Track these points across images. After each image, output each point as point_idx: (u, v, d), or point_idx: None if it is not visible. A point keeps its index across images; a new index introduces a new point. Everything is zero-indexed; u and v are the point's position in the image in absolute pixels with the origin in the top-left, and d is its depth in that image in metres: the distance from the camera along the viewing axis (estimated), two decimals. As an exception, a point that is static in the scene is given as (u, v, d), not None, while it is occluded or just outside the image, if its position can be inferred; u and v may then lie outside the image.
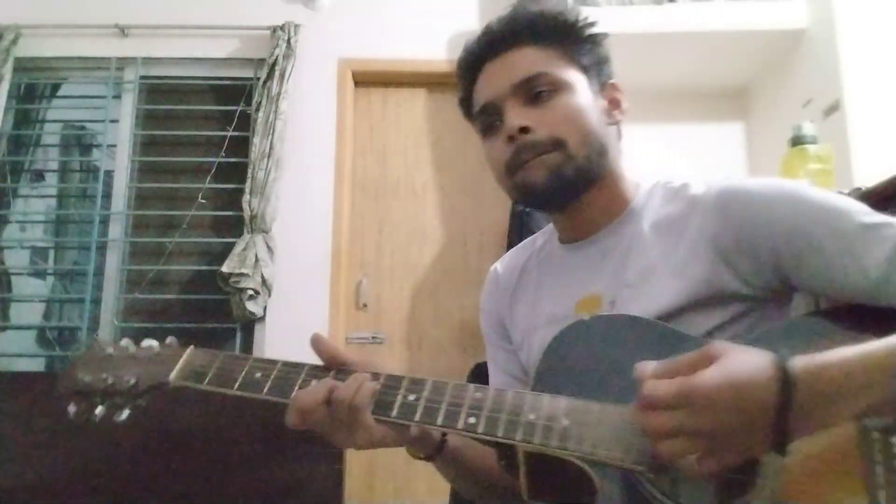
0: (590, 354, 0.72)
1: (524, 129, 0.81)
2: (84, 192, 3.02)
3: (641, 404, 0.58)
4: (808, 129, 2.12)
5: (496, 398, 0.68)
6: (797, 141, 2.12)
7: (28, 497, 1.64)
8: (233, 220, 2.76)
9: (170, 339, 0.83)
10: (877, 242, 0.69)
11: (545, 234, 0.99)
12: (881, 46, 2.26)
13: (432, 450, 0.81)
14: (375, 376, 0.72)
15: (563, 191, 0.82)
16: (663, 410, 0.56)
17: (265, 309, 2.65)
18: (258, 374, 0.75)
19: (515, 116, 0.82)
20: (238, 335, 2.68)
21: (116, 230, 2.83)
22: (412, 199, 2.91)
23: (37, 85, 3.04)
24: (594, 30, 0.88)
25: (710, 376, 0.55)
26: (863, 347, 0.58)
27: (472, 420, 0.67)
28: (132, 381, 0.77)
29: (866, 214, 0.72)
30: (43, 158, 3.08)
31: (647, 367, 0.60)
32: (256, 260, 2.58)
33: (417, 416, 0.69)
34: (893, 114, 2.19)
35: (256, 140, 2.70)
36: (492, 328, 1.00)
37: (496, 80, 0.85)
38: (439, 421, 0.68)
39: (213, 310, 2.70)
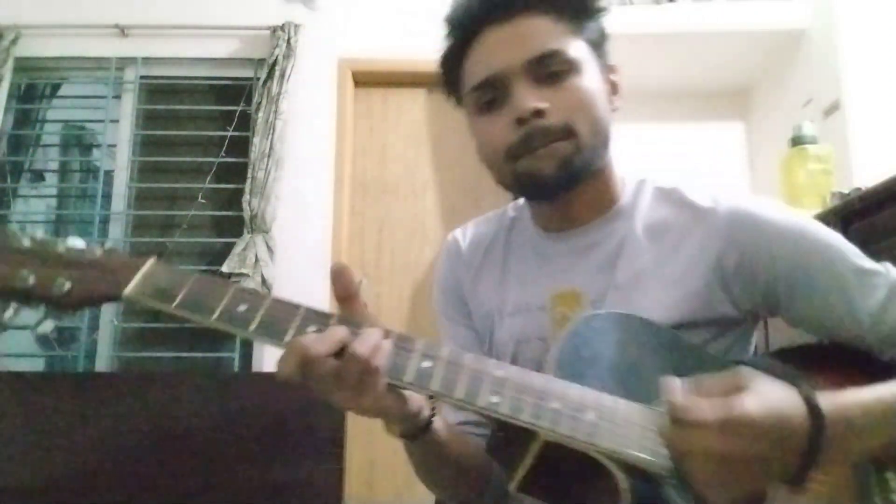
0: (609, 350, 0.67)
1: (538, 113, 0.72)
2: (84, 192, 3.01)
3: (675, 418, 0.54)
4: (808, 129, 2.13)
5: (521, 379, 0.60)
6: (797, 141, 2.13)
7: (28, 497, 1.64)
8: (233, 220, 2.76)
9: (112, 244, 0.67)
10: (869, 289, 0.71)
11: (517, 209, 0.91)
12: (881, 46, 2.26)
13: (416, 429, 0.69)
14: (386, 334, 0.61)
15: (567, 182, 0.75)
16: (696, 429, 0.53)
17: (265, 309, 2.64)
18: (242, 307, 0.62)
19: (529, 97, 0.73)
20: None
21: (116, 230, 2.82)
22: (412, 199, 2.91)
23: (37, 85, 3.04)
24: (601, 2, 0.79)
25: (750, 403, 0.53)
26: (876, 389, 0.60)
27: (494, 399, 0.59)
28: (65, 288, 0.59)
29: (860, 258, 0.73)
30: (43, 158, 3.08)
31: (676, 382, 0.55)
32: (256, 260, 2.58)
33: (435, 386, 0.59)
34: (893, 114, 2.19)
35: (256, 140, 2.70)
36: (450, 303, 0.91)
37: (504, 51, 0.74)
38: (458, 394, 0.59)
39: (213, 310, 2.69)
